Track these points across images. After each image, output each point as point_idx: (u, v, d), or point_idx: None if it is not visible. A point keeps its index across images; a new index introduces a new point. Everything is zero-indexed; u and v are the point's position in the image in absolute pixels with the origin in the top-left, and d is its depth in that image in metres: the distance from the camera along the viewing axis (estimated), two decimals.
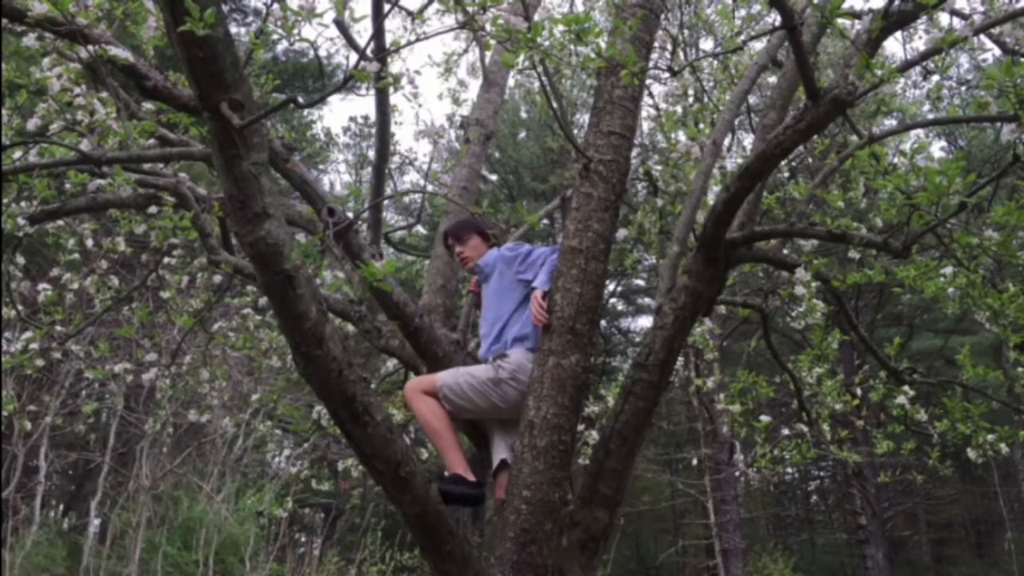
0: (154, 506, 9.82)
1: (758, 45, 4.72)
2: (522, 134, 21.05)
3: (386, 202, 4.99)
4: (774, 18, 4.49)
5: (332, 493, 16.19)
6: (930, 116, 7.16)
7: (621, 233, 4.03)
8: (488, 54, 4.47)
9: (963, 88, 6.60)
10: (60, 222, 3.95)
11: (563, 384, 2.71)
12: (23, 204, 3.41)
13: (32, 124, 3.20)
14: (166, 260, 4.42)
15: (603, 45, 2.36)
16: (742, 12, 5.00)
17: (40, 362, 4.00)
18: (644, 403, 2.76)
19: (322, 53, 3.75)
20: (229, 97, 1.84)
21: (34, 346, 3.94)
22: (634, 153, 3.65)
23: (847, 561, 20.80)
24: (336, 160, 21.53)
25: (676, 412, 18.22)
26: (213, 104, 1.84)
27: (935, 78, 4.12)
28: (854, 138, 3.97)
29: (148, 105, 3.42)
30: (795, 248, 4.15)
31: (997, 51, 4.08)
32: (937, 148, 17.78)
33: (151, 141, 3.42)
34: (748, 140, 6.88)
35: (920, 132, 11.72)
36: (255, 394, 7.00)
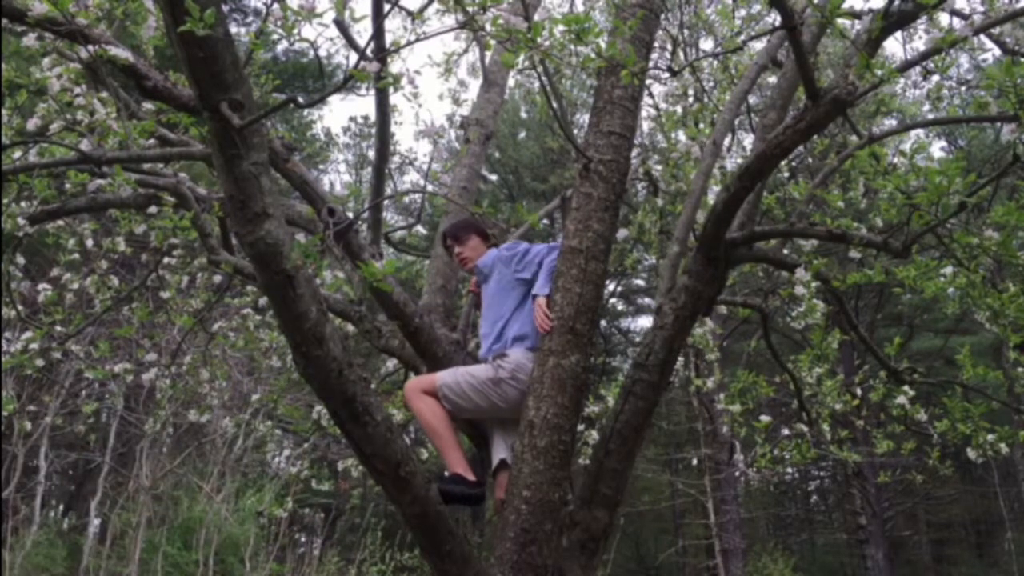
0: (154, 506, 9.83)
1: (758, 45, 4.73)
2: (522, 134, 21.06)
3: (386, 202, 4.99)
4: (774, 18, 4.49)
5: (332, 493, 16.19)
6: (930, 116, 7.16)
7: (621, 233, 4.03)
8: (488, 54, 4.47)
9: (963, 88, 6.59)
10: (60, 222, 3.95)
11: (563, 384, 2.71)
12: (23, 204, 3.41)
13: (32, 124, 3.20)
14: (166, 260, 4.42)
15: (603, 45, 2.36)
16: (742, 12, 5.00)
17: (40, 362, 4.00)
18: (644, 403, 2.76)
19: (322, 53, 3.75)
20: (229, 97, 1.84)
21: (34, 346, 3.94)
22: (634, 153, 3.65)
23: (847, 561, 20.80)
24: (336, 160, 21.56)
25: (676, 412, 18.22)
26: (213, 104, 1.84)
27: (935, 78, 4.12)
28: (854, 138, 3.97)
29: (148, 105, 3.42)
30: (795, 248, 4.15)
31: (997, 51, 4.08)
32: (937, 148, 17.79)
33: (151, 141, 3.42)
34: (748, 140, 6.89)
35: (920, 132, 11.72)
36: (255, 394, 7.01)
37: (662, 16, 4.45)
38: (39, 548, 9.75)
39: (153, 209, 3.66)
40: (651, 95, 5.12)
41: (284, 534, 10.15)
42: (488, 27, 2.32)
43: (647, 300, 21.57)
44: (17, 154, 3.31)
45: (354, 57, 2.33)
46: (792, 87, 3.37)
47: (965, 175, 2.57)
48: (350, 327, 4.07)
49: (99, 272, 4.33)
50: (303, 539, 13.63)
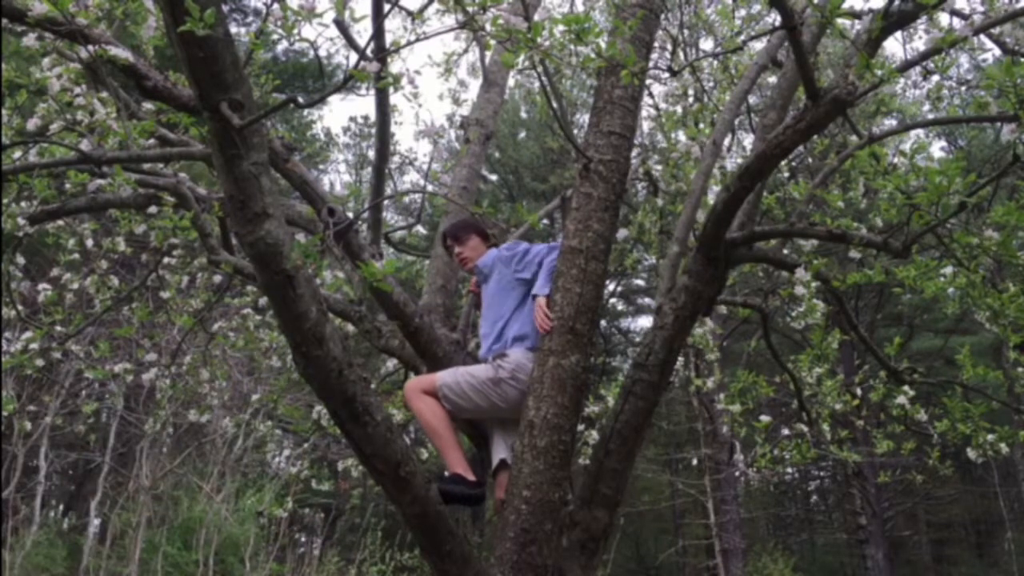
0: (154, 506, 9.83)
1: (758, 45, 4.72)
2: (522, 134, 21.06)
3: (386, 202, 4.99)
4: (774, 18, 4.49)
5: (332, 493, 16.19)
6: (930, 116, 7.15)
7: (621, 233, 4.03)
8: (488, 54, 4.47)
9: (963, 88, 6.59)
10: (60, 222, 3.95)
11: (563, 384, 2.71)
12: (23, 204, 3.41)
13: (32, 124, 3.20)
14: (166, 260, 4.42)
15: (603, 45, 2.36)
16: (742, 12, 5.00)
17: (40, 362, 4.00)
18: (644, 403, 2.76)
19: (322, 53, 3.75)
20: (229, 97, 1.84)
21: (34, 346, 3.94)
22: (634, 153, 3.65)
23: (847, 561, 20.80)
24: (336, 160, 21.56)
25: (676, 412, 18.22)
26: (213, 104, 1.84)
27: (935, 78, 4.12)
28: (854, 138, 3.97)
29: (148, 105, 3.42)
30: (795, 248, 4.15)
31: (997, 51, 4.08)
32: (937, 148, 17.79)
33: (151, 141, 3.42)
34: (748, 140, 6.88)
35: (920, 132, 11.72)
36: (255, 394, 7.01)
37: (662, 16, 4.45)
38: (39, 548, 9.76)
39: (153, 209, 3.66)
40: (651, 95, 5.13)
41: (284, 534, 10.15)
42: (488, 27, 2.32)
43: (647, 300, 21.58)
44: (17, 154, 3.31)
45: (354, 57, 2.33)
46: (792, 87, 3.37)
47: (965, 175, 2.57)
48: (350, 327, 4.07)
49: (99, 272, 4.33)
50: (303, 539, 13.63)
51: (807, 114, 2.39)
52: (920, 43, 4.00)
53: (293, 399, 8.45)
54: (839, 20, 2.32)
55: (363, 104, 70.12)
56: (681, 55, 5.36)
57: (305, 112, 16.40)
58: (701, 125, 4.49)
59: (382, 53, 2.64)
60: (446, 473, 2.86)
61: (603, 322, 20.11)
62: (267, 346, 4.85)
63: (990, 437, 3.94)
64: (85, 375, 8.10)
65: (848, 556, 20.57)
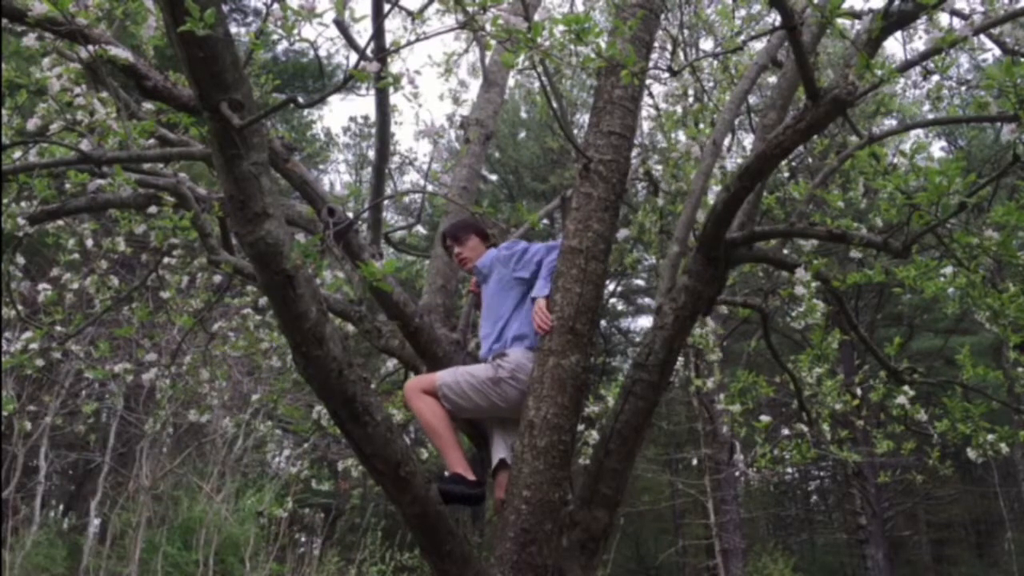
0: (154, 506, 9.83)
1: (758, 45, 4.72)
2: (522, 134, 21.06)
3: (386, 202, 4.99)
4: (774, 18, 4.49)
5: (332, 493, 16.20)
6: (930, 116, 7.15)
7: (621, 233, 4.03)
8: (488, 54, 4.47)
9: (963, 88, 6.59)
10: (60, 222, 3.95)
11: (563, 384, 2.71)
12: (23, 204, 3.41)
13: (32, 124, 3.20)
14: (166, 260, 4.42)
15: (603, 45, 2.36)
16: (742, 12, 5.00)
17: (40, 362, 4.00)
18: (644, 403, 2.76)
19: (322, 53, 3.75)
20: (229, 97, 1.84)
21: (34, 346, 3.94)
22: (634, 153, 3.65)
23: (847, 561, 20.80)
24: (336, 160, 21.57)
25: (676, 412, 18.23)
26: (213, 104, 1.84)
27: (935, 78, 4.12)
28: (854, 138, 3.97)
29: (148, 105, 3.42)
30: (795, 248, 4.15)
31: (997, 51, 4.08)
32: (937, 148, 17.79)
33: (151, 141, 3.42)
34: (748, 140, 6.88)
35: (920, 132, 11.71)
36: (255, 394, 7.01)
37: (662, 16, 4.45)
38: (39, 548, 9.76)
39: (153, 209, 3.66)
40: (651, 95, 5.12)
41: (284, 534, 10.14)
42: (488, 27, 2.32)
43: (647, 300, 21.58)
44: (17, 154, 3.31)
45: (354, 57, 2.33)
46: (792, 87, 3.37)
47: (965, 175, 2.57)
48: (350, 327, 4.07)
49: (99, 272, 4.33)
50: (303, 539, 13.62)
51: (807, 114, 2.39)
52: (920, 43, 4.00)
53: (293, 399, 8.45)
54: (839, 20, 2.32)
55: (363, 104, 70.17)
56: (681, 55, 5.35)
57: (305, 112, 16.40)
58: (701, 125, 4.48)
59: (382, 53, 2.64)
60: (446, 473, 2.86)
61: (603, 322, 20.11)
62: (267, 346, 4.85)
63: (990, 437, 3.94)
64: (85, 375, 8.10)
65: (848, 556, 20.57)
